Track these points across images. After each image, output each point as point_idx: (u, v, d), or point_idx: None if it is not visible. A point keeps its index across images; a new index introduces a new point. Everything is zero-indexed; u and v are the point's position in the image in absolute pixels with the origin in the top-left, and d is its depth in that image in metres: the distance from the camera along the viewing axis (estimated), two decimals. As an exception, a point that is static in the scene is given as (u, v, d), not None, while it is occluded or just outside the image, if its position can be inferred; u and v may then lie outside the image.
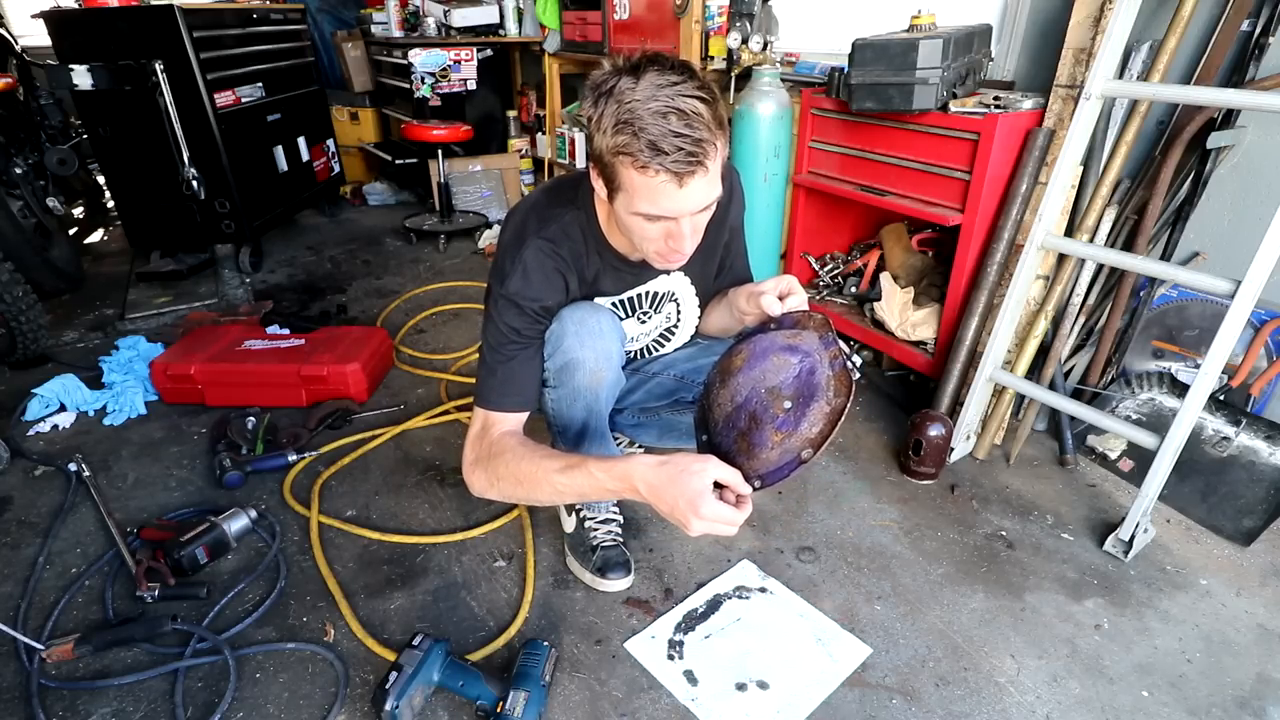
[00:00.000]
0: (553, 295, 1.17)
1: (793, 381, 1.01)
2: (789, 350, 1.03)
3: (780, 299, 1.11)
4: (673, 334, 1.43)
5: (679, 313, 1.39)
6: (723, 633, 1.35)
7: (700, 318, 1.43)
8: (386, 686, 1.09)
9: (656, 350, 1.46)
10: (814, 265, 2.42)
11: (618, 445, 1.73)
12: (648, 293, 1.30)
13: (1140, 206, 1.71)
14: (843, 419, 0.95)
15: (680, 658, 1.30)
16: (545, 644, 1.21)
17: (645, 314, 1.34)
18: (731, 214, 1.33)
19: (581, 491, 1.05)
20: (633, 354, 1.43)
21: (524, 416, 1.22)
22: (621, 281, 1.25)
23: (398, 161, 4.04)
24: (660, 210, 0.97)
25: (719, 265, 1.39)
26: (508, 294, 1.14)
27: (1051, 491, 1.74)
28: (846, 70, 1.83)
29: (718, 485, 0.95)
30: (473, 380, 2.18)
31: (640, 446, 1.74)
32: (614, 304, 1.27)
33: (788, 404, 0.99)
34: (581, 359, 1.16)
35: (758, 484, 0.98)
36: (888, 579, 1.48)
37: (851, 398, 0.96)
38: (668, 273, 1.28)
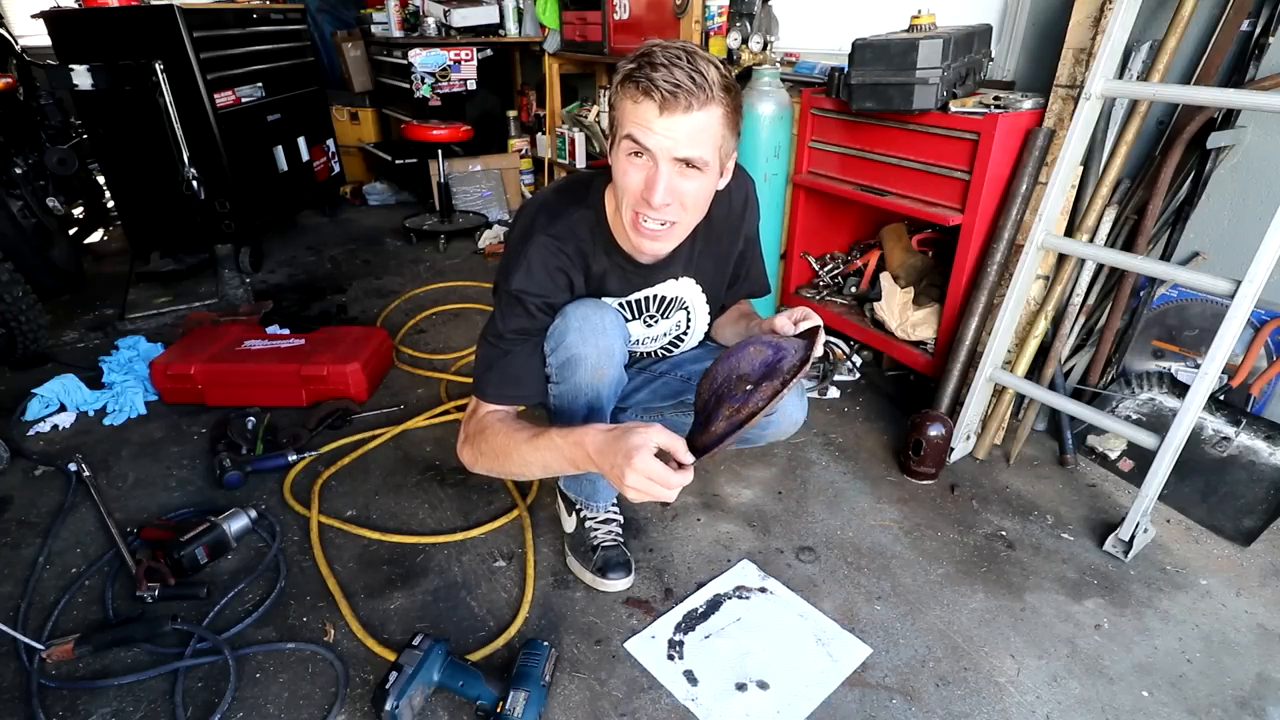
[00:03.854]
0: (557, 292, 1.17)
1: (760, 368, 1.05)
2: (767, 344, 1.08)
3: (795, 324, 1.15)
4: (682, 341, 1.42)
5: (689, 320, 1.38)
6: (723, 633, 1.35)
7: (711, 326, 1.42)
8: (386, 686, 1.09)
9: (665, 356, 1.46)
10: (814, 265, 2.42)
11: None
12: (655, 296, 1.29)
13: (1140, 206, 1.71)
14: (786, 391, 0.98)
15: (680, 658, 1.30)
16: (545, 644, 1.21)
17: (652, 317, 1.33)
18: (746, 223, 1.34)
19: (545, 461, 1.10)
20: (639, 356, 1.43)
21: (515, 408, 1.23)
22: (628, 283, 1.24)
23: (398, 161, 4.04)
24: (639, 135, 0.99)
25: (734, 274, 1.39)
26: (511, 290, 1.14)
27: (1051, 491, 1.74)
28: (846, 70, 1.83)
29: (664, 455, 0.97)
30: (472, 380, 2.19)
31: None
32: (619, 305, 1.27)
33: (749, 386, 1.04)
34: (584, 355, 1.17)
35: (697, 454, 1.01)
36: (888, 579, 1.48)
37: (800, 375, 0.99)
38: (676, 277, 1.27)
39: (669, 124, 0.97)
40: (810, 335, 1.08)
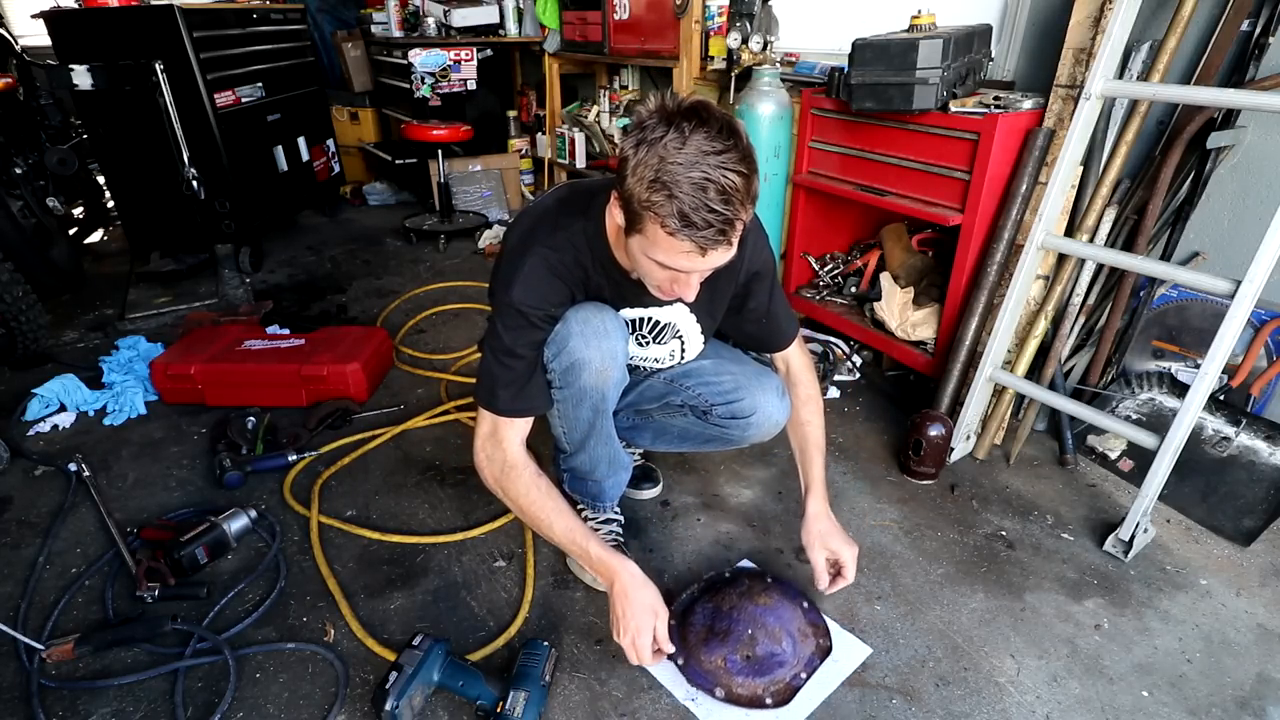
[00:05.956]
0: (557, 303, 1.16)
1: (767, 652, 1.23)
2: (791, 638, 1.26)
3: (834, 570, 1.34)
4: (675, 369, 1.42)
5: (683, 348, 1.36)
6: (723, 633, 1.35)
7: (704, 342, 1.39)
8: (386, 686, 1.09)
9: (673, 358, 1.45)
10: (814, 265, 2.43)
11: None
12: (649, 319, 1.29)
13: (1140, 206, 1.71)
14: (753, 710, 1.18)
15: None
16: (545, 644, 1.21)
17: (644, 338, 1.32)
18: (748, 259, 1.26)
19: (569, 549, 1.23)
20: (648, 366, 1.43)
21: (531, 420, 1.23)
22: (622, 298, 1.23)
23: (398, 161, 4.04)
24: (675, 266, 0.98)
25: (738, 306, 1.34)
26: (512, 302, 1.13)
27: (1051, 491, 1.74)
28: (846, 70, 1.83)
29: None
30: (473, 380, 2.19)
31: (638, 451, 1.74)
32: None
33: (749, 655, 1.22)
34: (587, 359, 1.16)
35: (680, 661, 1.24)
36: (888, 579, 1.48)
37: (774, 708, 1.18)
38: (670, 301, 1.24)
39: (708, 260, 0.96)
40: (820, 649, 1.28)
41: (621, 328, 1.21)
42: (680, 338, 1.34)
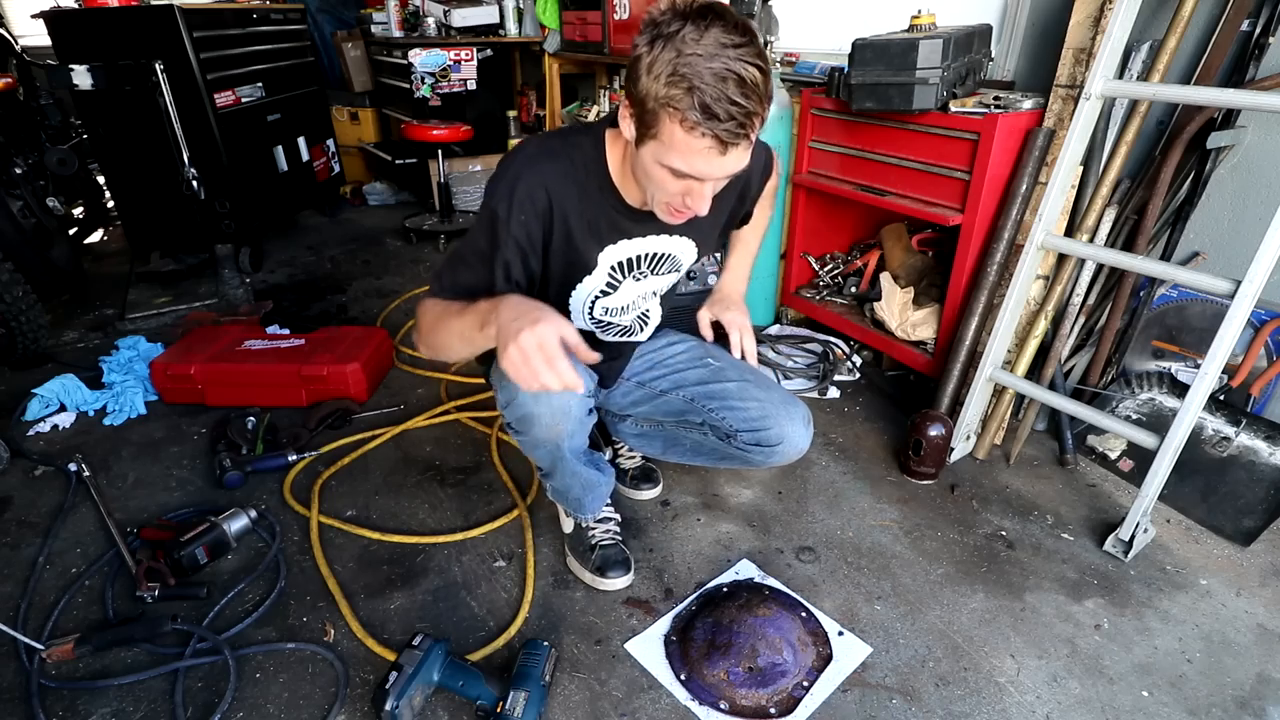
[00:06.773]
0: (532, 215, 1.09)
1: (769, 662, 1.25)
2: (792, 647, 1.28)
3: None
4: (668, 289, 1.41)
5: (678, 273, 1.35)
6: (723, 633, 1.35)
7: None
8: (386, 686, 1.09)
9: (645, 321, 1.41)
10: (814, 265, 2.43)
11: (618, 454, 1.73)
12: (648, 254, 1.25)
13: (1140, 206, 1.71)
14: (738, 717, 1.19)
15: (680, 658, 1.29)
16: (545, 644, 1.21)
17: (641, 274, 1.28)
18: (753, 186, 1.33)
19: (464, 325, 1.02)
20: (621, 324, 1.37)
21: None
22: (618, 229, 1.18)
23: (398, 161, 4.03)
24: (692, 170, 0.96)
25: (729, 223, 1.39)
26: (491, 203, 1.09)
27: (1051, 491, 1.74)
28: (846, 70, 1.83)
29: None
30: (472, 381, 2.19)
31: (640, 458, 1.74)
32: (612, 268, 1.22)
33: (751, 667, 1.24)
34: (537, 415, 1.16)
35: (683, 676, 1.24)
36: (888, 579, 1.48)
37: (779, 718, 1.18)
38: (669, 232, 1.22)
39: (726, 160, 0.94)
40: (819, 660, 1.28)
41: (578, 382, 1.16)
42: (679, 269, 1.33)
